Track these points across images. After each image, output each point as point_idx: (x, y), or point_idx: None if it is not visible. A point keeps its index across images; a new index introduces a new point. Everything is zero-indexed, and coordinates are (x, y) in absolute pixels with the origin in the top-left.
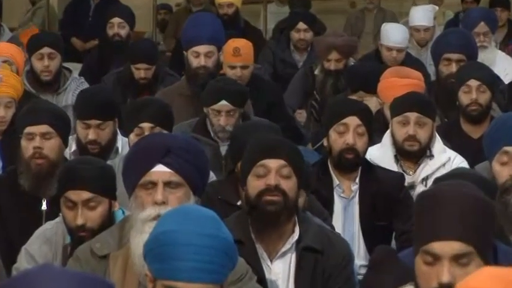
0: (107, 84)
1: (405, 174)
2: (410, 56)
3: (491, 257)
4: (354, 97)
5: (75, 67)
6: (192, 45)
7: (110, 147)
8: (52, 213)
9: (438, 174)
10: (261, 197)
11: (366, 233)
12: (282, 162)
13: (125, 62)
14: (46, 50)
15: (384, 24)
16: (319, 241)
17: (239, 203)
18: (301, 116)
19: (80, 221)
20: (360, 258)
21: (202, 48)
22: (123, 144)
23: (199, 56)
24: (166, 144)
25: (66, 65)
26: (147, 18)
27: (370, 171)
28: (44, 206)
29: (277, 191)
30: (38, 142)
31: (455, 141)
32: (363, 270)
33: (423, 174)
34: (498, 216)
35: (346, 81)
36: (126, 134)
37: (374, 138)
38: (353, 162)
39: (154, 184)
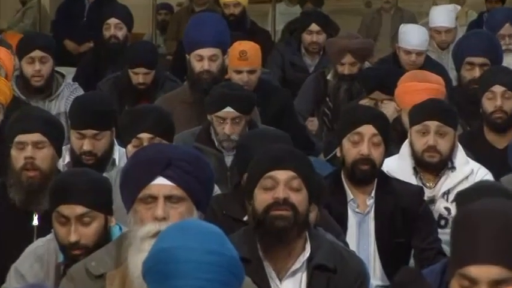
0: (103, 90)
1: (425, 188)
2: (430, 59)
3: None
4: (369, 99)
5: (69, 71)
6: (194, 48)
7: (106, 159)
8: (44, 229)
9: (460, 187)
10: (269, 212)
11: (382, 251)
12: (291, 173)
13: (122, 66)
14: (37, 53)
15: (402, 25)
16: (332, 259)
17: (245, 218)
18: (312, 124)
19: (73, 238)
20: (376, 278)
21: (205, 51)
22: (120, 155)
23: (202, 60)
24: (167, 156)
25: (58, 69)
26: (146, 19)
27: (387, 184)
28: (35, 222)
29: (286, 204)
30: (30, 152)
31: (479, 151)
32: None
33: (444, 188)
34: None
35: (361, 82)
36: (123, 145)
37: (391, 149)
38: (368, 174)
39: (154, 198)
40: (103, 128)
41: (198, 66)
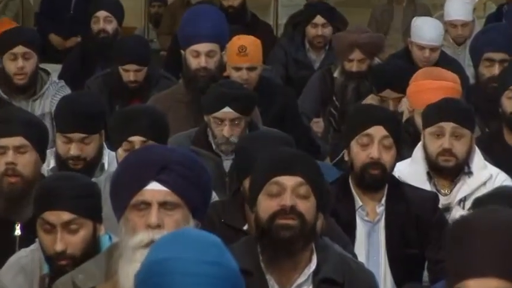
0: (91, 89)
1: (439, 194)
2: (445, 55)
3: None
4: (379, 97)
5: (54, 69)
6: (190, 44)
7: (94, 164)
8: (27, 239)
9: (478, 194)
10: (274, 221)
11: (394, 262)
12: (299, 179)
13: (112, 62)
14: (20, 49)
15: (415, 18)
16: (340, 272)
17: (245, 227)
18: (317, 125)
19: (59, 247)
20: None
21: (202, 47)
22: (109, 159)
23: (199, 56)
24: (161, 159)
25: (43, 66)
26: (138, 12)
27: (399, 190)
28: (17, 231)
29: (293, 213)
30: (11, 157)
31: (498, 155)
32: None
33: (460, 195)
34: None
35: (371, 80)
36: (113, 148)
37: (403, 152)
38: (378, 179)
39: (147, 205)
40: (92, 131)
41: (194, 62)
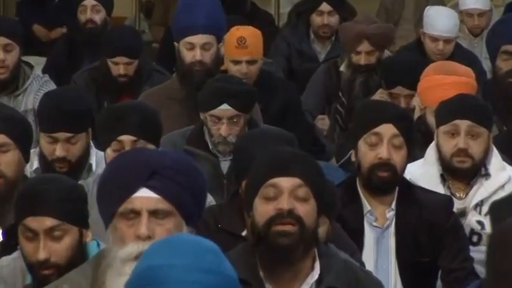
0: (78, 84)
1: (454, 198)
2: (460, 48)
3: None
4: (388, 93)
5: (38, 62)
6: (184, 35)
7: (81, 165)
8: (9, 246)
9: (495, 198)
10: (271, 226)
11: (404, 271)
12: (297, 181)
13: (100, 55)
14: (1, 40)
15: (428, 7)
16: (346, 281)
17: (244, 233)
18: (322, 123)
19: (42, 255)
20: None
21: (197, 39)
22: (97, 160)
23: (194, 49)
24: (152, 163)
25: (26, 59)
26: (129, 1)
27: (410, 193)
28: None
29: (291, 217)
30: None
31: None
32: None
33: (477, 198)
34: None
35: (381, 75)
36: (101, 148)
37: (415, 153)
38: (388, 181)
39: (137, 213)
40: (78, 130)
41: (188, 56)
